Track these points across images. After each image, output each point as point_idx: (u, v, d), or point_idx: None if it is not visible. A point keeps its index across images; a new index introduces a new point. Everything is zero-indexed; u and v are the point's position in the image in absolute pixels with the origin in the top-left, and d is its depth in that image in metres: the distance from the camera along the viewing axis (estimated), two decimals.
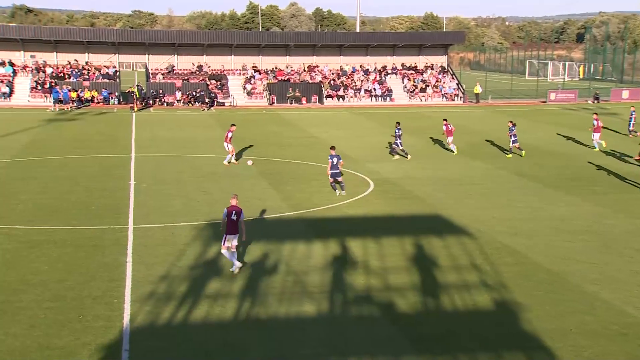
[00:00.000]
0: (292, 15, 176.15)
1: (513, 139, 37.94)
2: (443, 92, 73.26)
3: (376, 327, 15.41)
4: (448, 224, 24.06)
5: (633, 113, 46.31)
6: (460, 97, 73.15)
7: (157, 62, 71.53)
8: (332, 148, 28.68)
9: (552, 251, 20.88)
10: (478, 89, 73.04)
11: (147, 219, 24.07)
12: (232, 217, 18.52)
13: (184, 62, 72.05)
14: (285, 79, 71.94)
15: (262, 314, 16.02)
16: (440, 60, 78.66)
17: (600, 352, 14.11)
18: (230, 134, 34.67)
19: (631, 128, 45.68)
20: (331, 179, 28.08)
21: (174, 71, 70.79)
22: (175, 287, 17.58)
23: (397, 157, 36.97)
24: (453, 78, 76.74)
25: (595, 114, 43.28)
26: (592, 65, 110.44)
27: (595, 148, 40.16)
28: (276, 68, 73.28)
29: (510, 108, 67.02)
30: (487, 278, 18.54)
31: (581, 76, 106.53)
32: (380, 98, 71.28)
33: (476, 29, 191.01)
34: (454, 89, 74.01)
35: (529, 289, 17.71)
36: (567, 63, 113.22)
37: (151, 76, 69.71)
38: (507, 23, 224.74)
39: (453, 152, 38.89)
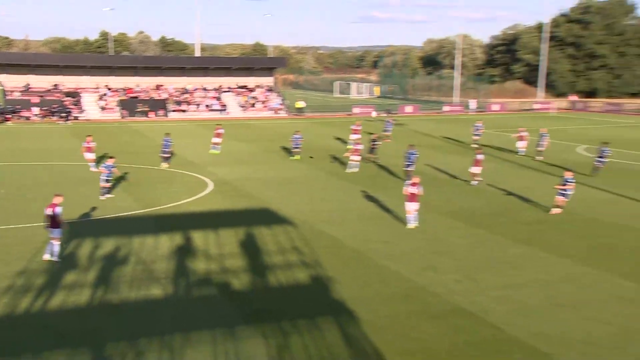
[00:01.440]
0: (141, 42, 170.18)
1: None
2: (270, 107, 73.90)
3: (215, 305, 15.28)
4: (276, 217, 24.26)
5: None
6: (285, 111, 74.05)
7: (15, 81, 66.67)
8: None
9: (357, 235, 21.59)
10: (301, 104, 74.37)
11: (6, 222, 22.44)
12: (50, 214, 17.89)
13: (41, 81, 67.57)
14: (135, 96, 69.59)
15: (114, 300, 15.41)
16: (268, 80, 79.12)
17: (391, 313, 14.81)
18: (88, 145, 33.10)
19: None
20: None
21: (30, 89, 66.19)
22: (33, 280, 16.51)
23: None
24: (278, 95, 77.54)
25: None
26: (385, 86, 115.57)
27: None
28: (126, 87, 70.69)
29: (323, 119, 68.61)
30: (306, 258, 18.88)
31: (377, 94, 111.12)
32: (218, 112, 70.69)
33: (296, 55, 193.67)
34: (279, 104, 74.79)
35: (339, 266, 18.21)
36: (365, 84, 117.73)
37: (8, 93, 64.78)
38: (320, 51, 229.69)
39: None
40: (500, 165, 36.52)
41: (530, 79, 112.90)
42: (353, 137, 41.90)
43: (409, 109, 78.59)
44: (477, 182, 30.25)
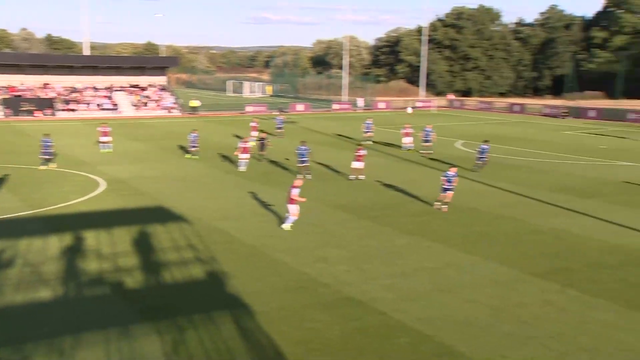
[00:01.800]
0: (24, 39, 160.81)
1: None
2: (164, 106, 72.02)
3: (108, 304, 14.68)
4: (170, 214, 23.66)
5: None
6: (179, 110, 72.42)
7: None
8: None
9: (251, 230, 21.45)
10: (196, 103, 73.04)
11: None
12: None
13: None
14: (19, 94, 65.70)
15: None
16: (160, 79, 77.13)
17: (285, 304, 14.81)
18: None
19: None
20: None
21: None
22: None
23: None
24: (171, 94, 75.74)
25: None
26: (276, 85, 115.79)
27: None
28: (9, 85, 66.60)
29: (217, 118, 67.75)
30: (201, 255, 18.54)
31: (269, 93, 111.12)
32: (109, 111, 68.05)
33: (188, 55, 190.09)
34: (172, 103, 73.07)
35: (234, 261, 18.01)
36: (258, 83, 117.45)
37: None
38: (212, 51, 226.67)
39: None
40: (387, 160, 37.48)
41: (413, 79, 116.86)
42: (253, 134, 41.95)
43: (300, 107, 79.07)
44: (354, 177, 30.69)
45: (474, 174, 32.50)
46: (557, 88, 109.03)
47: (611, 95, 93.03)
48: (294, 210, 21.33)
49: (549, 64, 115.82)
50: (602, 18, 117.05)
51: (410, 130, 41.83)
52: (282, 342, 12.79)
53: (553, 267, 17.48)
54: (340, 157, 37.57)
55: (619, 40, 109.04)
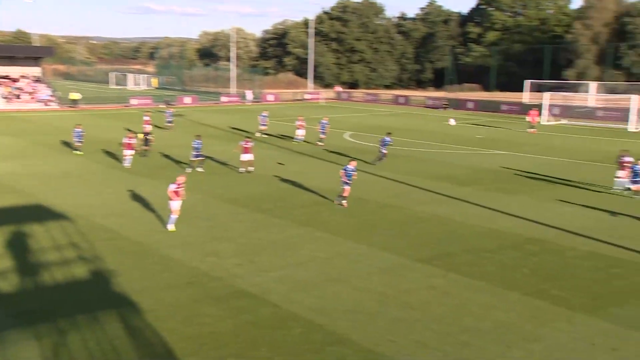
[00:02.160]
0: None
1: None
2: (39, 99, 68.13)
3: None
4: (49, 212, 22.47)
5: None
6: (55, 103, 68.79)
7: None
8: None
9: (138, 226, 20.83)
10: (76, 96, 69.66)
11: None
12: None
13: None
14: None
15: None
16: (34, 70, 72.91)
17: (174, 300, 14.52)
18: None
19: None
20: None
21: None
22: None
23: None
24: (48, 86, 71.78)
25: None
26: (162, 77, 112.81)
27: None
28: None
29: (100, 111, 65.05)
30: (84, 253, 17.77)
31: (155, 86, 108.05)
32: None
33: (65, 45, 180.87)
34: (49, 95, 69.30)
35: (120, 258, 17.41)
36: (143, 75, 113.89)
37: None
38: (92, 42, 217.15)
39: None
40: (279, 152, 37.54)
41: (301, 71, 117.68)
42: (147, 127, 40.68)
43: (187, 99, 77.53)
44: (244, 169, 30.56)
45: (360, 164, 33.19)
46: (438, 80, 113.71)
47: (486, 87, 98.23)
48: (175, 207, 20.31)
49: (430, 58, 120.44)
50: (476, 14, 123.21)
51: (303, 123, 42.09)
52: (172, 338, 12.52)
53: (437, 253, 18.23)
54: (229, 149, 37.19)
55: (491, 35, 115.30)
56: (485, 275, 16.39)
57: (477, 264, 17.32)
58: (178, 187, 20.21)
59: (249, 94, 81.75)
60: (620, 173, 26.91)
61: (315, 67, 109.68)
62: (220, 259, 17.52)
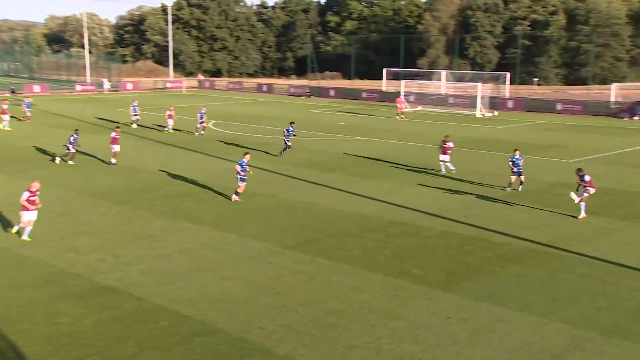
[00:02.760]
0: None
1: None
2: None
3: None
4: None
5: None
6: None
7: None
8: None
9: None
10: None
11: None
12: None
13: None
14: None
15: None
16: None
17: (28, 301, 13.72)
18: None
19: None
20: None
21: None
22: None
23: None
24: None
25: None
26: (5, 64, 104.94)
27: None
28: None
29: None
30: None
31: None
32: None
33: None
34: None
35: None
36: None
37: None
38: None
39: None
40: (144, 144, 36.31)
41: (161, 59, 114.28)
42: (5, 117, 38.23)
43: (37, 88, 72.82)
44: (115, 161, 29.50)
45: (222, 153, 32.96)
46: (300, 69, 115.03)
47: (347, 75, 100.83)
48: (25, 218, 17.74)
49: (291, 46, 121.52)
50: (334, 4, 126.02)
51: (173, 113, 40.83)
52: (26, 341, 11.82)
53: (303, 239, 18.57)
54: (92, 141, 35.45)
55: (349, 25, 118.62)
56: (350, 258, 16.93)
57: (343, 247, 17.85)
58: (32, 196, 17.85)
59: (106, 83, 78.18)
60: (443, 157, 28.22)
61: (176, 55, 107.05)
62: (80, 255, 16.74)
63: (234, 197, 23.04)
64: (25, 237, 17.80)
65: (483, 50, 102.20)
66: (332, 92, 74.98)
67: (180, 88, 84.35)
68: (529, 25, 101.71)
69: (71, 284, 14.76)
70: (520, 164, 24.85)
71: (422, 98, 61.32)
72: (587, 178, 20.83)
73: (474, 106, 56.00)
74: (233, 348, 11.76)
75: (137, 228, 19.43)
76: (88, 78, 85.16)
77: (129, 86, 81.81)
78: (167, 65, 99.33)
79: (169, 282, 15.00)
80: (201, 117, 39.75)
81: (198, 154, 32.99)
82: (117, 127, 30.84)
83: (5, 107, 40.50)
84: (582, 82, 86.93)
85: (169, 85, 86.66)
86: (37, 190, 18.17)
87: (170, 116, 40.69)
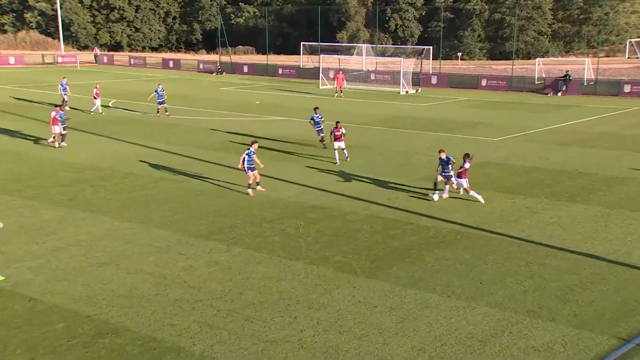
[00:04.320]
0: None
1: None
2: None
3: None
4: None
5: (161, 90, 39.19)
6: None
7: None
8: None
9: None
10: None
11: None
12: None
13: None
14: None
15: None
16: None
17: None
18: None
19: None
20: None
21: None
22: None
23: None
24: None
25: None
26: None
27: None
28: None
29: None
30: None
31: None
32: None
33: None
34: None
35: None
36: None
37: None
38: None
39: None
40: (34, 125, 34.80)
41: (49, 30, 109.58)
42: None
43: None
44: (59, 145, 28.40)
45: (130, 135, 32.12)
46: (209, 42, 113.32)
47: (261, 50, 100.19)
48: None
49: (198, 18, 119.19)
50: None
51: (98, 91, 39.12)
52: None
53: (218, 227, 18.38)
54: None
55: None
56: (268, 245, 16.91)
57: (260, 234, 17.80)
58: None
59: None
60: (337, 144, 26.72)
61: (67, 26, 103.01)
62: None
63: (251, 191, 21.79)
64: None
65: (405, 23, 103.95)
66: (245, 68, 74.36)
67: (75, 63, 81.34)
68: None
69: None
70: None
71: (344, 74, 61.73)
72: (467, 165, 21.08)
73: (396, 83, 56.94)
74: (142, 348, 11.52)
75: (26, 220, 18.67)
76: None
77: (11, 60, 78.14)
78: (57, 38, 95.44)
79: (65, 279, 14.50)
80: (160, 97, 38.37)
81: (97, 137, 31.97)
82: (56, 106, 29.89)
83: None
84: (506, 56, 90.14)
85: (60, 60, 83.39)
86: None
87: (97, 95, 39.17)
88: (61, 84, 41.25)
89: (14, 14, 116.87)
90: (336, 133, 26.67)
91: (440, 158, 21.53)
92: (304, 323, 12.61)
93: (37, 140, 30.72)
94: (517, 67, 68.81)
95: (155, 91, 38.80)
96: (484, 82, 59.75)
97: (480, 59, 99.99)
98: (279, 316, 12.87)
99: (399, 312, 13.16)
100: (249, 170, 21.57)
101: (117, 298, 13.56)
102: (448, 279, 14.90)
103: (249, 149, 21.62)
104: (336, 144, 26.86)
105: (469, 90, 57.86)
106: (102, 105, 39.59)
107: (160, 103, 38.62)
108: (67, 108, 38.62)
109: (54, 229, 17.90)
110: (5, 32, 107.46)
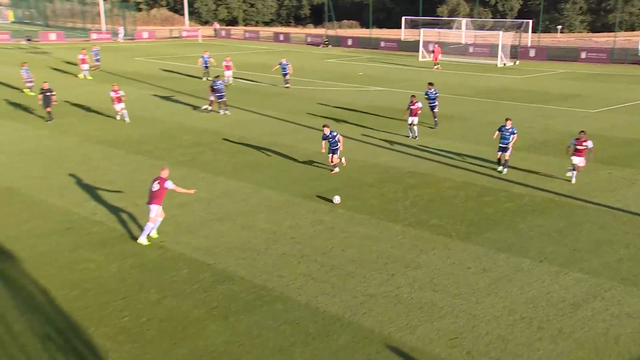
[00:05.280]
0: None
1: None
2: None
3: None
4: None
5: (286, 64, 38.45)
6: None
7: None
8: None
9: (7, 172, 19.65)
10: None
11: None
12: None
13: None
14: None
15: None
16: None
17: (52, 247, 13.99)
18: None
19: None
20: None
21: None
22: None
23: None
24: None
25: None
26: (20, 10, 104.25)
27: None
28: None
29: None
30: None
31: (11, 19, 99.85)
32: None
33: None
34: None
35: None
36: None
37: None
38: None
39: None
40: (160, 91, 36.26)
41: (176, 7, 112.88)
42: (84, 67, 39.81)
43: (52, 36, 72.47)
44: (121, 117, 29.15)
45: (242, 103, 32.84)
46: (317, 17, 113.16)
47: (364, 24, 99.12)
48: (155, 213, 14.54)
49: None
50: None
51: (230, 64, 40.01)
52: (53, 286, 12.11)
53: (322, 189, 18.61)
54: (99, 90, 35.44)
55: None
56: (367, 208, 16.99)
57: (360, 197, 17.89)
58: (169, 184, 14.65)
59: (121, 31, 77.66)
60: (411, 119, 24.98)
61: (191, 3, 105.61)
62: (99, 204, 16.96)
63: (336, 170, 20.34)
64: (143, 239, 14.54)
65: None
66: (349, 42, 73.91)
67: (197, 37, 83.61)
68: None
69: (93, 231, 15.00)
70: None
71: (441, 47, 60.29)
72: (590, 144, 19.10)
73: (494, 55, 55.00)
74: (254, 295, 11.96)
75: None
76: (103, 26, 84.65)
77: (145, 35, 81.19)
78: (182, 14, 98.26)
79: (189, 231, 15.19)
80: (284, 69, 38.07)
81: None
82: (114, 85, 27.98)
83: (82, 56, 40.56)
84: (608, 29, 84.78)
85: (184, 34, 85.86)
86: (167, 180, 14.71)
87: (228, 67, 39.46)
88: (202, 57, 41.89)
89: None
90: (412, 107, 24.78)
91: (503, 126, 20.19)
92: (401, 280, 12.67)
93: (163, 107, 31.92)
94: (619, 39, 64.67)
95: (280, 64, 38.87)
96: (583, 55, 56.69)
97: (580, 32, 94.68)
98: (378, 273, 12.98)
99: (492, 274, 12.96)
100: (331, 152, 19.91)
101: (233, 250, 14.08)
102: (541, 245, 14.49)
103: (327, 133, 19.73)
104: (410, 119, 24.95)
105: (567, 63, 55.09)
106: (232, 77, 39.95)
107: (284, 75, 38.62)
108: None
109: (178, 186, 18.66)
110: (140, 10, 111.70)
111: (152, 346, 10.25)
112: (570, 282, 12.61)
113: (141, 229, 15.01)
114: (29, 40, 67.78)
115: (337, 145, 19.79)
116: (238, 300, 11.77)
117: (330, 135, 19.73)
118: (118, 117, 28.07)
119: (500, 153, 20.45)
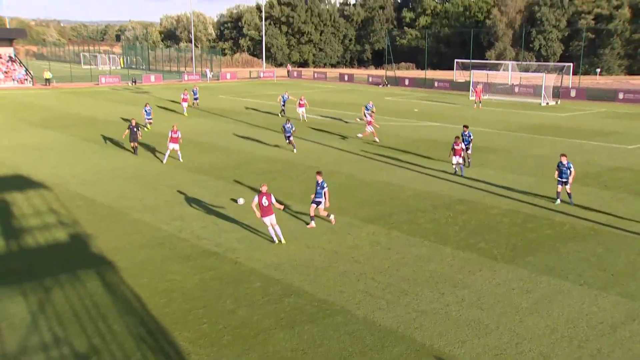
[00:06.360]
0: None
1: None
2: (14, 78, 65.13)
3: None
4: (28, 181, 21.77)
5: (370, 106, 36.31)
6: (29, 81, 65.89)
7: None
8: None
9: (110, 193, 20.37)
10: (48, 75, 66.72)
11: None
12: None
13: None
14: None
15: None
16: (7, 51, 69.48)
17: (145, 259, 14.31)
18: None
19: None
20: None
21: None
22: None
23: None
24: (21, 66, 68.60)
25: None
26: (128, 57, 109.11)
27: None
28: None
29: (72, 89, 62.69)
30: (63, 218, 17.31)
31: (122, 65, 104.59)
32: None
33: (37, 27, 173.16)
34: (23, 75, 66.28)
35: (96, 222, 17.05)
36: (110, 56, 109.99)
37: None
38: (62, 24, 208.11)
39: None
40: (234, 125, 37.03)
41: (255, 52, 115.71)
42: (184, 105, 41.10)
43: (152, 78, 75.39)
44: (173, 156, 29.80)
45: (308, 135, 33.07)
46: (378, 60, 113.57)
47: (420, 66, 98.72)
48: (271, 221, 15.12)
49: (369, 39, 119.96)
50: (409, 0, 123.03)
51: (304, 101, 39.84)
52: (146, 293, 12.38)
53: (380, 213, 18.42)
54: (190, 123, 36.47)
55: (423, 20, 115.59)
56: (421, 231, 16.69)
57: (415, 222, 17.61)
58: (264, 198, 14.88)
59: (209, 73, 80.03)
60: (455, 159, 23.45)
61: (268, 48, 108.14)
62: (185, 222, 17.31)
63: (312, 223, 17.05)
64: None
65: (548, 43, 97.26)
66: (406, 81, 73.62)
67: (272, 77, 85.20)
68: (592, 19, 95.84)
69: (179, 246, 15.30)
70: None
71: (489, 87, 59.25)
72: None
73: (538, 95, 53.59)
74: (317, 308, 11.87)
75: (230, 200, 19.84)
76: (194, 69, 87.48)
77: (228, 76, 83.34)
78: (261, 57, 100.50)
79: (261, 249, 15.27)
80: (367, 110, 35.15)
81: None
82: (174, 125, 26.04)
83: (184, 95, 41.99)
84: None
85: (262, 75, 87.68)
86: (268, 195, 14.81)
87: (301, 104, 39.10)
88: (282, 96, 41.69)
89: (232, 41, 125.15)
90: (456, 147, 23.18)
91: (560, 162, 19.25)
92: (450, 298, 12.32)
93: (241, 138, 32.51)
94: None
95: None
96: (620, 95, 54.47)
97: (618, 74, 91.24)
98: (429, 291, 12.67)
99: (534, 295, 12.44)
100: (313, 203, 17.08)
101: (299, 267, 14.06)
102: (580, 269, 13.84)
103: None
104: (455, 159, 23.30)
105: (606, 103, 53.05)
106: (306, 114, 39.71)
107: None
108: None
109: (251, 209, 18.85)
110: (225, 54, 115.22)
111: (227, 350, 10.30)
112: (608, 304, 11.96)
113: (220, 245, 15.22)
114: (134, 82, 70.68)
115: (322, 197, 16.90)
116: (303, 312, 11.70)
117: (319, 184, 16.92)
118: (166, 157, 25.56)
119: (560, 187, 19.48)
